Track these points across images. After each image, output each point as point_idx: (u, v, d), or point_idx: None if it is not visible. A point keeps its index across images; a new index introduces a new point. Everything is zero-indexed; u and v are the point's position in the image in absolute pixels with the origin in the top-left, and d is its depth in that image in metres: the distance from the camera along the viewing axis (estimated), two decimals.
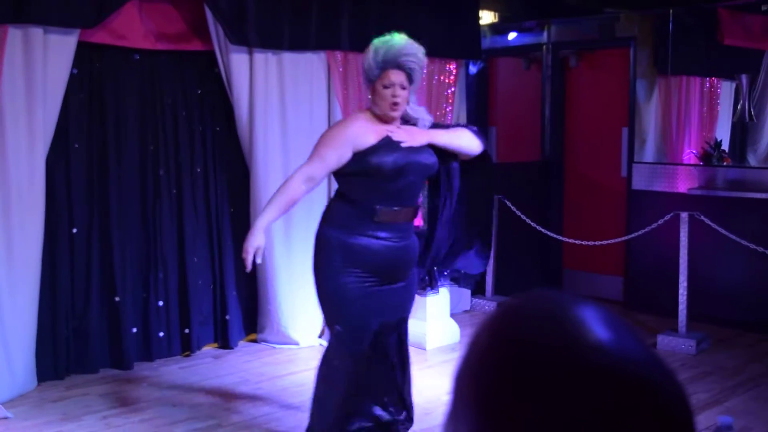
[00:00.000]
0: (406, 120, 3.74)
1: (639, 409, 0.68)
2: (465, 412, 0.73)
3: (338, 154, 3.55)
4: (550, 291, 0.78)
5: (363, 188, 3.61)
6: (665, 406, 0.70)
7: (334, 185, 3.99)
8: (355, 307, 3.60)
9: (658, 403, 0.69)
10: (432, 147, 3.74)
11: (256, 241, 3.51)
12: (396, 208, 3.62)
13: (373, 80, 3.58)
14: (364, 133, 3.59)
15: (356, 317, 3.62)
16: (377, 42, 3.58)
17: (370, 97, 3.68)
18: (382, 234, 3.61)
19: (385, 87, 3.55)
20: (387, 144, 3.59)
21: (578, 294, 0.78)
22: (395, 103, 3.57)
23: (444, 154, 3.80)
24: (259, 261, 3.55)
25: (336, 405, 3.75)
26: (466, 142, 3.83)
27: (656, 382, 0.70)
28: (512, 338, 0.73)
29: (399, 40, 3.58)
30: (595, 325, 0.72)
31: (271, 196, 3.62)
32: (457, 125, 4.07)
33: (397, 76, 3.55)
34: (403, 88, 3.58)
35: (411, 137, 3.66)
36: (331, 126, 3.73)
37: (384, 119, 3.63)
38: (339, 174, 3.66)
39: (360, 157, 3.56)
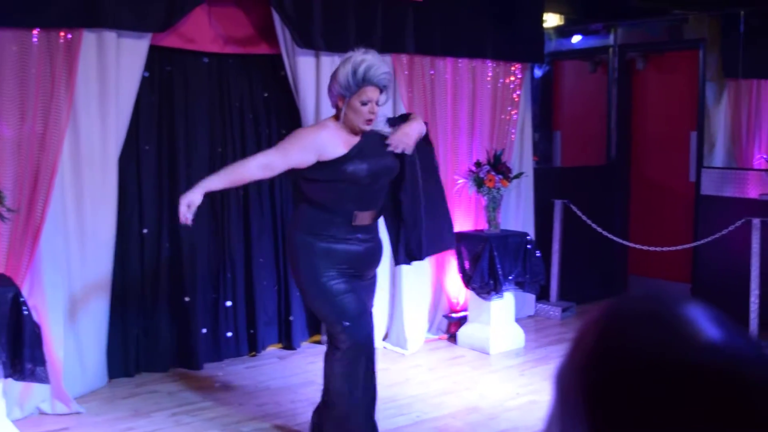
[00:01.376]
0: (369, 133, 3.82)
1: (754, 408, 0.67)
2: (574, 413, 0.73)
3: (301, 156, 3.63)
4: (655, 290, 0.78)
5: (339, 196, 3.69)
6: None
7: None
8: (349, 298, 3.72)
9: None
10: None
11: (191, 195, 3.60)
12: (370, 211, 3.78)
13: (349, 96, 3.65)
14: (334, 143, 3.67)
15: (354, 307, 3.73)
16: (356, 59, 3.64)
17: (340, 108, 3.71)
18: (360, 236, 3.76)
19: (363, 103, 3.65)
20: (359, 152, 3.70)
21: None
22: (370, 119, 3.69)
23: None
24: (190, 218, 3.62)
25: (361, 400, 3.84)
26: (421, 124, 3.94)
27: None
28: (621, 338, 0.73)
29: (374, 57, 3.68)
30: (705, 325, 0.72)
31: (224, 169, 3.71)
32: (401, 116, 4.11)
33: (374, 93, 3.67)
34: (377, 104, 3.71)
35: (408, 142, 3.78)
36: (304, 127, 3.81)
37: (353, 131, 3.73)
38: (314, 182, 3.73)
39: (333, 165, 3.64)
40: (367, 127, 3.71)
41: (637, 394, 0.69)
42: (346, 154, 3.67)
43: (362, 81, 3.61)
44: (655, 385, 0.69)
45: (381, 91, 3.71)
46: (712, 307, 0.76)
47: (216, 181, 3.70)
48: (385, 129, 3.87)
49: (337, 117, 3.77)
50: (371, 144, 3.77)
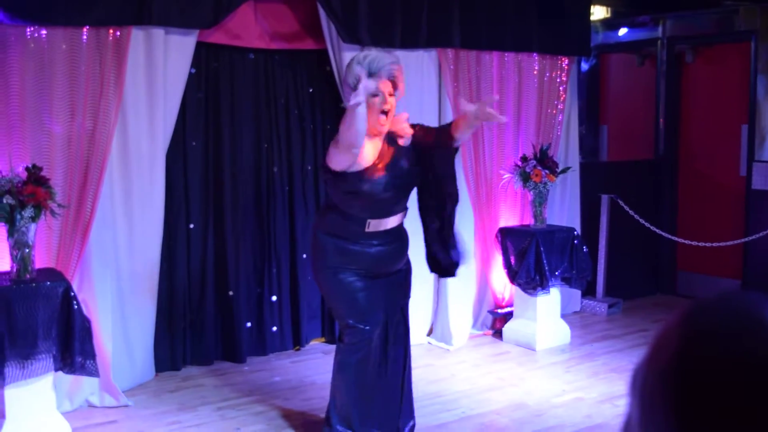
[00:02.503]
0: (391, 135, 3.74)
1: None
2: (657, 416, 0.72)
3: (342, 161, 3.59)
4: (740, 291, 0.76)
5: (355, 205, 3.70)
6: None
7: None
8: (360, 297, 3.76)
9: None
10: (414, 153, 3.77)
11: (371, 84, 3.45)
12: (385, 219, 3.76)
13: None
14: (362, 154, 3.60)
15: (363, 306, 3.76)
16: (359, 56, 3.61)
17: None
18: (374, 241, 3.75)
19: (374, 96, 3.56)
20: (378, 164, 3.65)
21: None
22: (385, 112, 3.59)
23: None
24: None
25: (355, 396, 3.88)
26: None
27: None
28: (709, 340, 0.72)
29: (378, 51, 3.63)
30: None
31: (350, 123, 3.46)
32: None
33: (384, 85, 3.57)
34: (391, 95, 3.60)
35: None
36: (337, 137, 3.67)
37: (372, 132, 3.63)
38: (333, 188, 3.74)
39: (353, 178, 3.60)
40: (383, 125, 3.63)
41: (731, 396, 0.68)
42: (368, 167, 3.62)
43: (368, 75, 3.54)
44: (751, 386, 0.68)
45: (393, 84, 3.62)
46: None
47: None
48: (406, 128, 3.81)
49: None
50: (393, 150, 3.71)
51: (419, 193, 3.92)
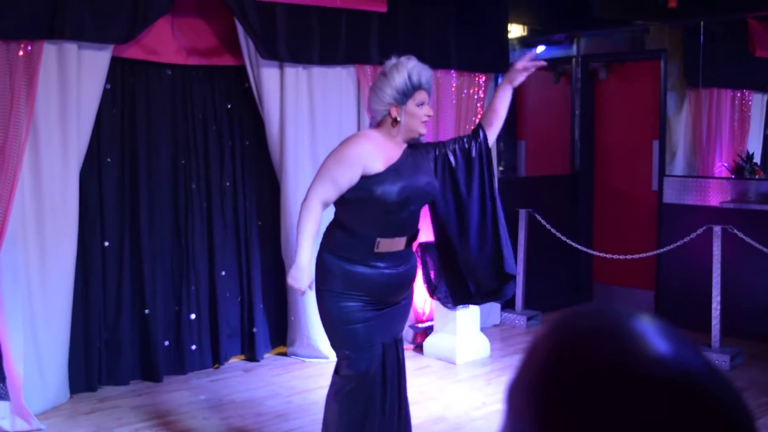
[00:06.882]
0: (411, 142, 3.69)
1: (701, 420, 0.68)
2: (525, 428, 0.73)
3: (350, 176, 3.47)
4: (606, 305, 0.79)
5: (364, 219, 3.52)
6: (727, 416, 0.70)
7: None
8: (360, 329, 3.55)
9: (719, 413, 0.69)
10: (433, 164, 3.72)
11: (307, 278, 3.52)
12: (397, 239, 3.56)
13: (405, 101, 3.51)
14: (374, 156, 3.49)
15: (362, 339, 3.56)
16: (408, 65, 3.53)
17: (395, 117, 3.52)
18: (381, 264, 3.55)
19: (419, 105, 3.55)
20: (395, 171, 3.51)
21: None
22: (426, 121, 3.60)
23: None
24: (311, 290, 3.58)
25: (345, 429, 3.64)
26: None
27: (717, 393, 0.70)
28: (571, 354, 0.73)
29: (417, 62, 3.58)
30: (654, 339, 0.73)
31: (299, 228, 3.54)
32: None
33: (425, 96, 3.59)
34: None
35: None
36: (342, 143, 3.60)
37: (410, 138, 3.60)
38: (341, 201, 3.56)
39: (364, 184, 3.48)
40: (425, 130, 3.60)
41: (588, 410, 0.69)
42: (381, 172, 3.47)
43: (418, 85, 3.53)
44: (605, 401, 0.69)
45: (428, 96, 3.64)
46: (661, 319, 0.76)
47: (308, 248, 3.53)
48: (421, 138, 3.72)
49: (379, 126, 3.59)
50: (410, 161, 3.60)
51: (438, 218, 3.81)
